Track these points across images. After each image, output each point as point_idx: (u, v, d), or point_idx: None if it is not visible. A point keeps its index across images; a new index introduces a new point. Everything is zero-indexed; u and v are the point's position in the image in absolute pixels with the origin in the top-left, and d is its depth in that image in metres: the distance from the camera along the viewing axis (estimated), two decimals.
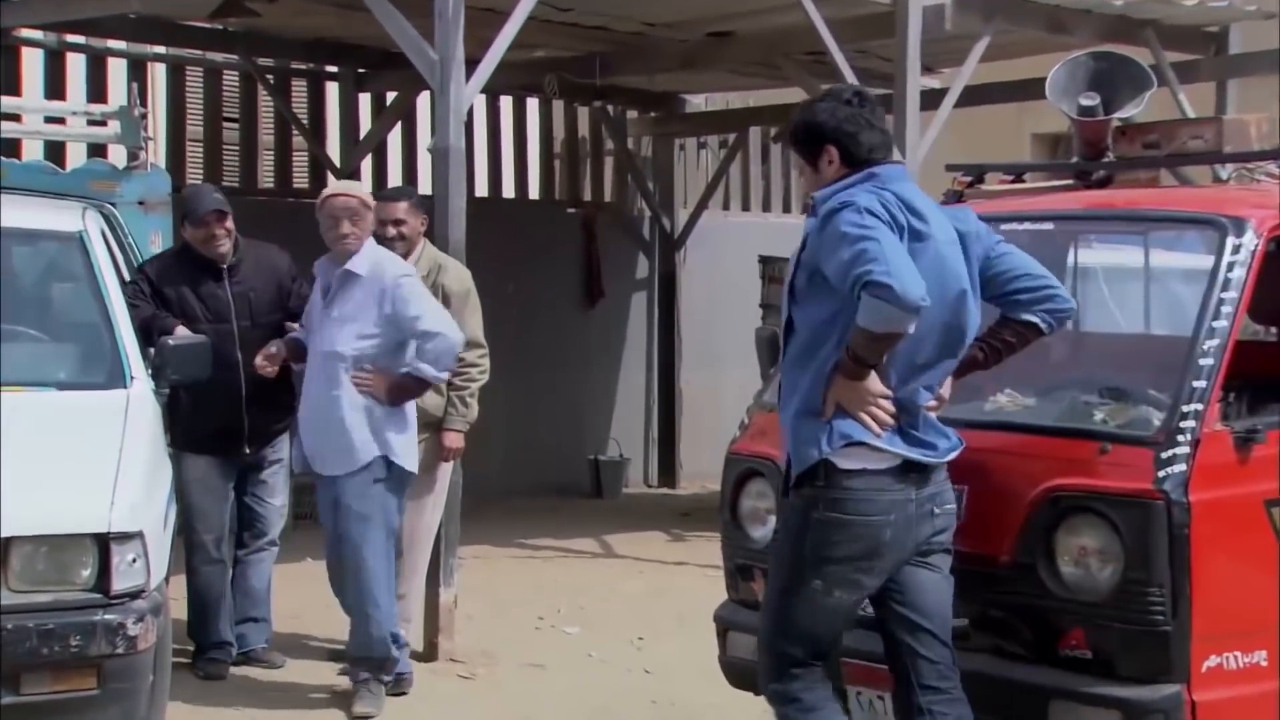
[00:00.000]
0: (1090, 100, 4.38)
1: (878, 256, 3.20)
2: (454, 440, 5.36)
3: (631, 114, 10.51)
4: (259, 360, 4.90)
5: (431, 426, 5.44)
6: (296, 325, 5.20)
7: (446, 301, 5.44)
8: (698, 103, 10.55)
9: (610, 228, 10.24)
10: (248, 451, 5.12)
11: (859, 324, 3.23)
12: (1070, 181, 4.42)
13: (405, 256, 5.46)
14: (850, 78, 7.22)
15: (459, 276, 5.52)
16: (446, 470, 5.54)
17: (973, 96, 8.04)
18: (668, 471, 10.28)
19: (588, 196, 10.52)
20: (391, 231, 5.42)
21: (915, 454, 3.34)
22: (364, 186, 5.25)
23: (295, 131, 9.17)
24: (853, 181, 3.37)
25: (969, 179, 4.60)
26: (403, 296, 4.70)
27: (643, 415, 10.42)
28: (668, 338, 10.26)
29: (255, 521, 5.26)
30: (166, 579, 4.02)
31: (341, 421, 4.65)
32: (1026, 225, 4.04)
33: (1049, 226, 4.08)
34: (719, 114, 10.59)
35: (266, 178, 9.33)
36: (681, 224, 10.42)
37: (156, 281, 5.02)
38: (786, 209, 11.23)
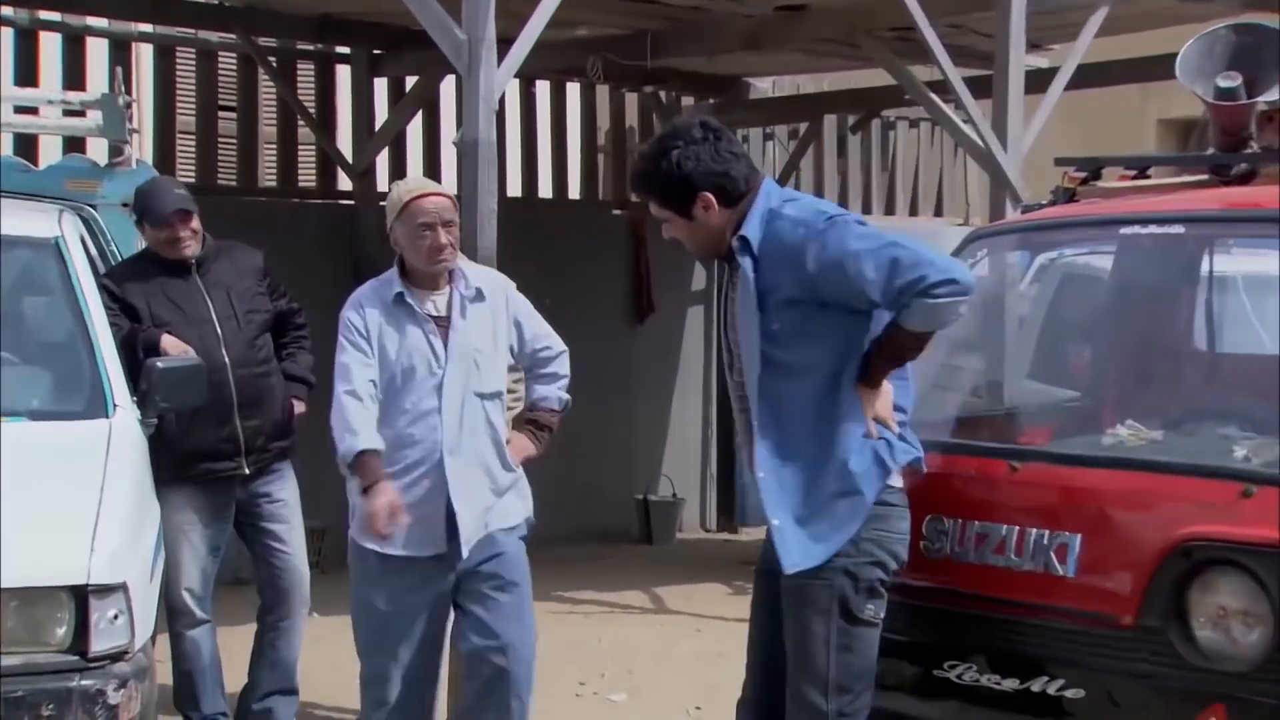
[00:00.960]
0: (1230, 81, 4.34)
1: (918, 258, 3.40)
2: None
3: (687, 101, 10.53)
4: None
5: None
6: (298, 332, 5.30)
7: None
8: (764, 88, 10.56)
9: (656, 229, 10.24)
10: (246, 472, 5.05)
11: (911, 328, 3.46)
12: (1205, 177, 4.40)
13: None
14: (942, 57, 7.21)
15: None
16: None
17: (1088, 77, 7.99)
18: (728, 514, 10.26)
19: (636, 197, 10.53)
20: None
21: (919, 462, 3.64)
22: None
23: (301, 122, 9.26)
24: (761, 204, 3.53)
25: (1083, 175, 4.58)
26: (527, 310, 4.49)
27: (699, 449, 10.40)
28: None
29: (277, 579, 5.18)
30: (153, 638, 4.03)
31: (503, 469, 4.36)
32: (1152, 229, 4.02)
33: (1179, 230, 4.07)
34: (788, 100, 10.60)
35: (268, 175, 9.42)
36: None
37: (121, 292, 4.95)
38: (866, 208, 11.22)
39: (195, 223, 5.06)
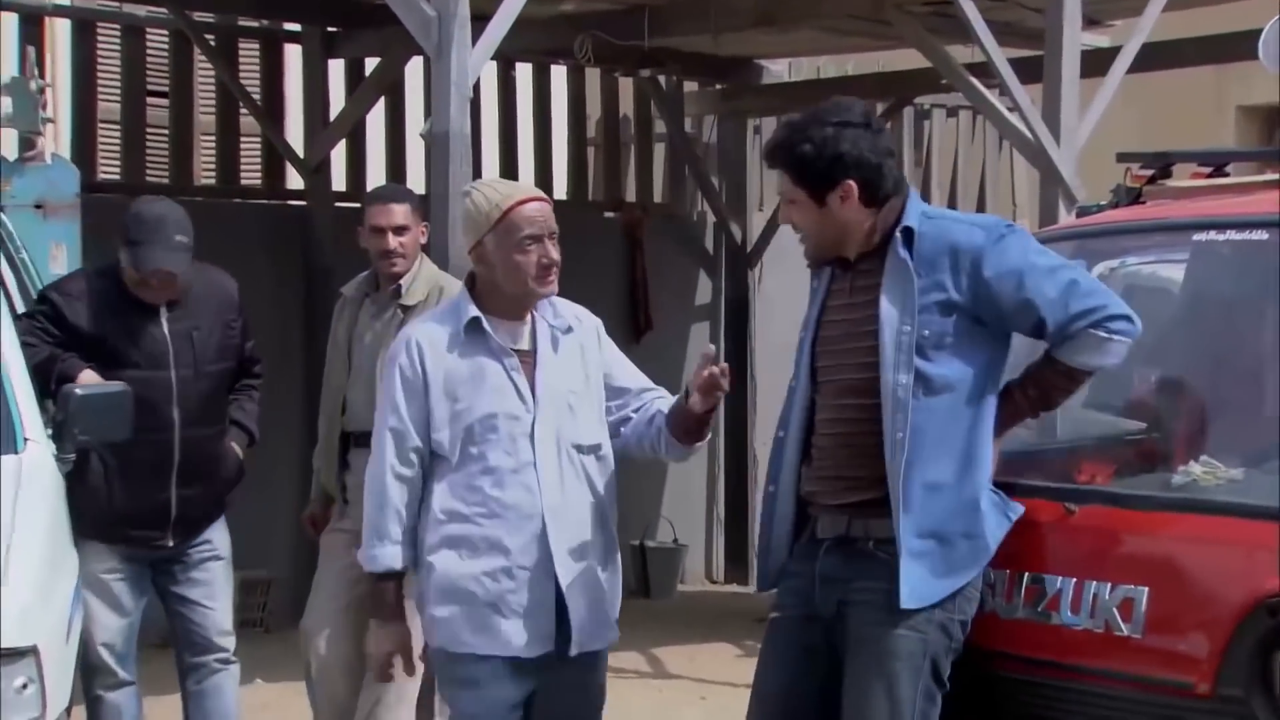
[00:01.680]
0: None
1: (1096, 285, 3.67)
2: None
3: (690, 86, 10.56)
4: None
5: None
6: (251, 380, 5.23)
7: None
8: (778, 71, 10.59)
9: (661, 237, 10.28)
10: (170, 544, 5.09)
11: (1072, 364, 3.65)
12: None
13: (400, 277, 5.55)
14: (984, 35, 7.22)
15: None
16: None
17: (1154, 58, 8.02)
18: (738, 562, 10.25)
19: (631, 196, 10.55)
20: (391, 243, 5.52)
21: None
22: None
23: (244, 110, 9.26)
24: (915, 208, 3.74)
25: (1149, 172, 4.58)
26: (611, 345, 4.24)
27: (704, 488, 10.40)
28: (738, 383, 10.26)
29: (194, 634, 5.20)
30: (69, 709, 4.01)
31: (612, 546, 4.10)
32: (1230, 235, 4.03)
33: (1262, 236, 4.06)
34: (806, 86, 10.61)
35: (206, 171, 9.42)
36: (756, 232, 10.44)
37: (68, 314, 4.94)
38: None
39: (183, 279, 5.01)
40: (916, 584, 3.59)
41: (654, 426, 4.11)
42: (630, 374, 4.20)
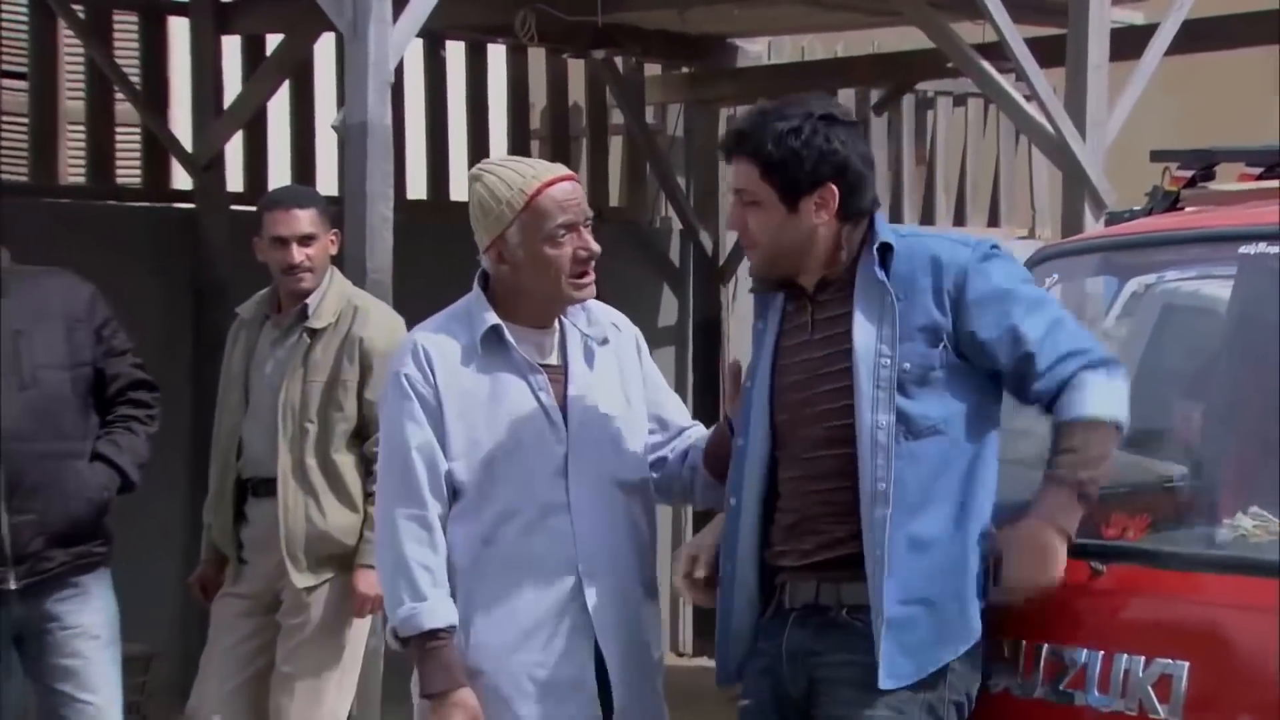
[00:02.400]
0: None
1: (1082, 328, 3.73)
2: (374, 584, 5.40)
3: (653, 69, 10.61)
4: None
5: (337, 563, 5.55)
6: (135, 409, 5.20)
7: (366, 366, 5.53)
8: (756, 52, 10.64)
9: (617, 247, 10.26)
10: (12, 587, 5.01)
11: (1108, 419, 3.66)
12: None
13: (306, 296, 5.56)
14: (997, 11, 7.28)
15: (387, 327, 5.63)
16: (361, 631, 5.63)
17: (1198, 37, 8.09)
18: (708, 632, 10.14)
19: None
20: (296, 255, 5.54)
21: None
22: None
23: (120, 96, 9.25)
24: (885, 226, 3.77)
25: (1189, 173, 4.62)
26: (651, 362, 4.15)
27: (668, 546, 10.41)
28: (708, 420, 10.27)
29: None
30: None
31: (657, 609, 4.02)
32: None
33: None
34: (789, 70, 10.68)
35: (74, 167, 9.40)
36: (730, 242, 10.48)
37: None
38: (895, 215, 11.28)
39: None
40: (897, 658, 3.59)
41: (688, 465, 4.04)
42: (674, 403, 4.14)
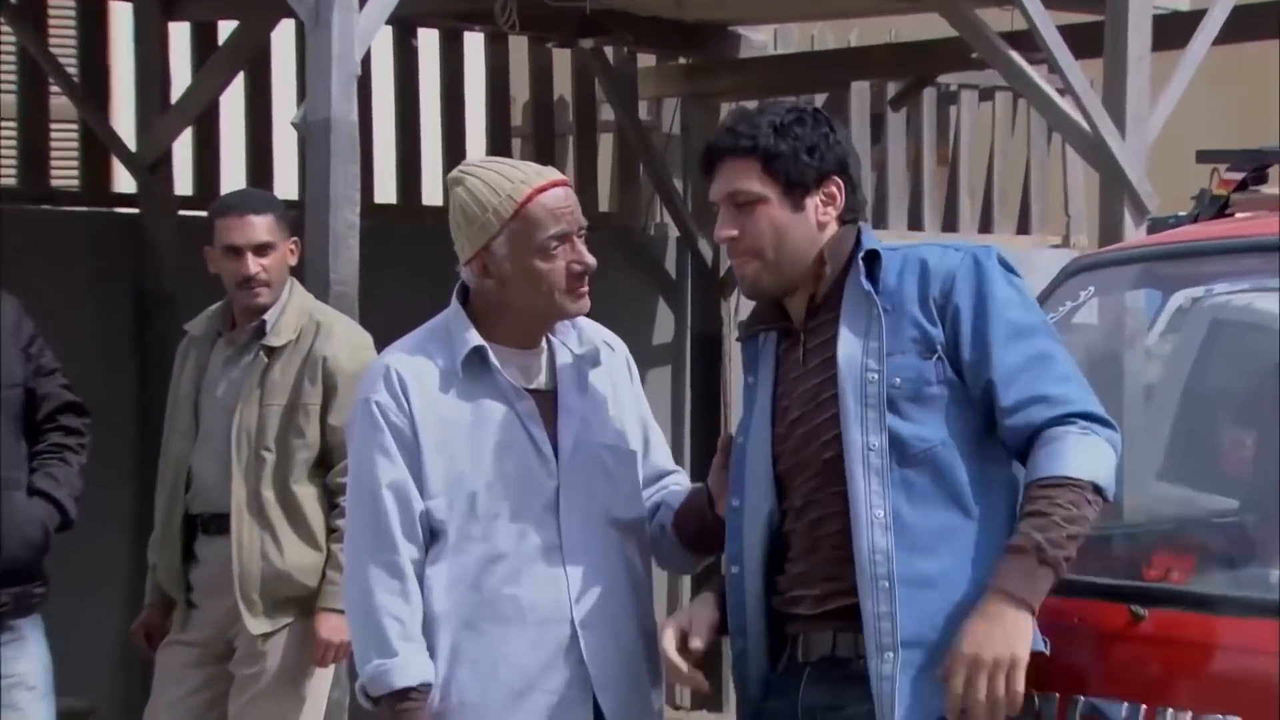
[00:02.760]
0: None
1: (1074, 374, 3.65)
2: (338, 629, 5.40)
3: (646, 60, 10.60)
4: None
5: (297, 607, 5.54)
6: (66, 437, 5.18)
7: (329, 388, 5.53)
8: (761, 42, 10.63)
9: (608, 256, 10.20)
10: None
11: (1085, 480, 3.55)
12: None
13: (263, 311, 5.55)
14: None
15: (352, 344, 5.63)
16: (324, 681, 5.63)
17: (1248, 25, 8.08)
18: (710, 681, 10.22)
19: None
20: (251, 267, 5.55)
21: None
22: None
23: (55, 88, 9.24)
24: (870, 236, 3.78)
25: (1240, 175, 4.62)
26: (639, 384, 4.14)
27: (664, 590, 10.39)
28: (706, 445, 10.26)
29: None
30: None
31: (657, 659, 3.97)
32: None
33: None
34: (797, 60, 10.68)
35: (4, 168, 9.38)
36: None
37: None
38: (915, 220, 11.29)
39: None
40: (913, 704, 3.59)
41: (656, 522, 4.03)
42: (657, 441, 4.10)
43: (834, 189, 3.75)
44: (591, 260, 3.95)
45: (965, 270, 3.69)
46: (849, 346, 3.68)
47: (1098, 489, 3.57)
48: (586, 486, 3.90)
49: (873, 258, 3.71)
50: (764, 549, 3.79)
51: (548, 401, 3.93)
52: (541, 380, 3.95)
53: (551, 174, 3.96)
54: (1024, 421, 3.62)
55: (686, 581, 10.40)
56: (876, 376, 3.65)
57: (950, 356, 3.67)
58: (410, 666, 3.79)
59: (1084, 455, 3.57)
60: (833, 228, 3.77)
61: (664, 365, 10.41)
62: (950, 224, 11.57)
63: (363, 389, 3.93)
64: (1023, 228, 11.88)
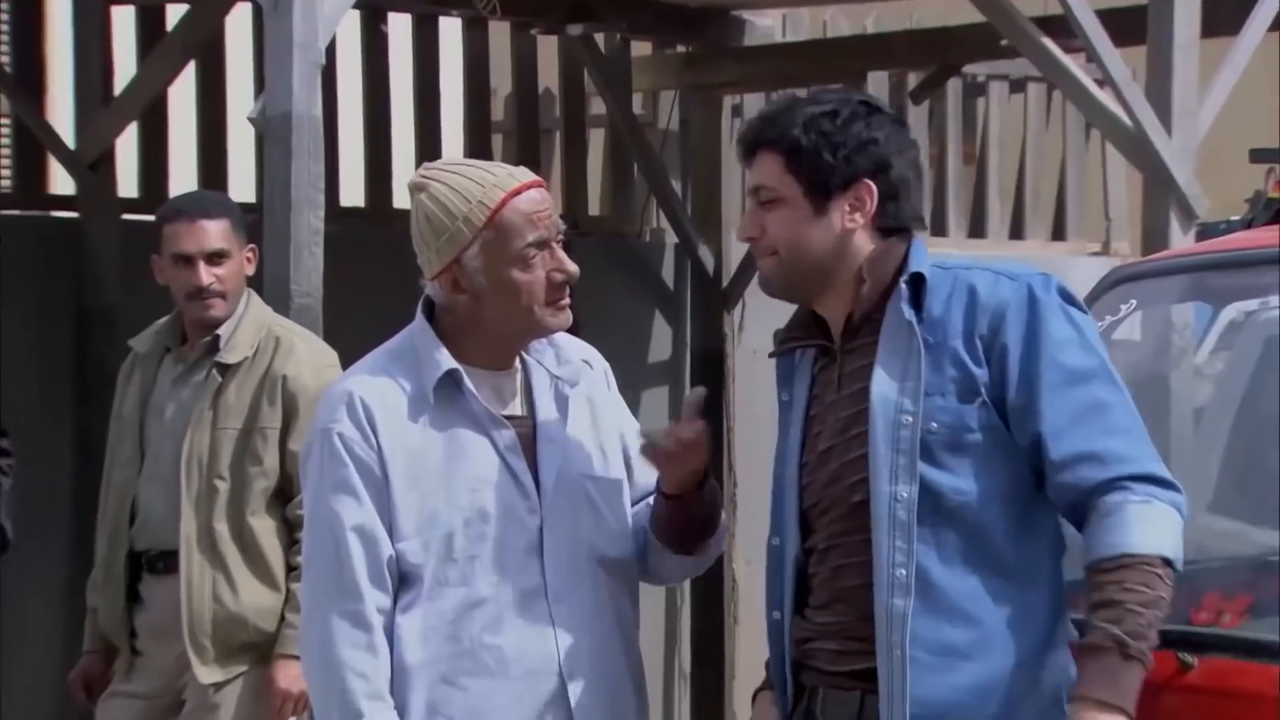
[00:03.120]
0: None
1: (1134, 425, 3.61)
2: (297, 679, 5.38)
3: (641, 49, 10.60)
4: None
5: (252, 654, 5.54)
6: None
7: (290, 410, 5.54)
8: (766, 28, 10.65)
9: (599, 265, 10.27)
10: None
11: (1152, 555, 3.52)
12: None
13: (217, 325, 5.54)
14: None
15: (316, 363, 5.64)
16: None
17: None
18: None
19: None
20: (204, 277, 5.55)
21: None
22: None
23: None
24: (921, 252, 3.74)
25: None
26: (619, 398, 4.15)
27: (661, 626, 10.39)
28: (714, 457, 10.26)
29: None
30: None
31: (637, 692, 4.03)
32: None
33: None
34: (807, 49, 10.68)
35: None
36: (737, 259, 10.48)
37: None
38: (938, 225, 11.28)
39: None
40: None
41: (640, 529, 4.03)
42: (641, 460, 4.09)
43: (864, 194, 3.71)
44: (573, 268, 3.94)
45: (1018, 304, 3.64)
46: (884, 383, 3.65)
47: (1168, 562, 3.54)
48: (571, 523, 3.90)
49: (918, 281, 3.68)
50: (794, 589, 3.79)
51: (525, 428, 3.93)
52: (517, 405, 3.95)
53: (524, 174, 3.96)
54: (1073, 481, 3.59)
55: (685, 622, 10.39)
56: (911, 419, 3.62)
57: (995, 400, 3.62)
58: None
59: (1149, 527, 3.54)
60: (865, 237, 3.73)
61: (660, 386, 10.41)
62: (977, 229, 11.58)
63: (321, 418, 3.90)
64: (1058, 233, 11.88)
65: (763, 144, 3.75)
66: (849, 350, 3.74)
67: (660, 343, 10.50)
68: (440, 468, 3.85)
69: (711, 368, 10.42)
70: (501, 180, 3.92)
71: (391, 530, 3.83)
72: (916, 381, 3.63)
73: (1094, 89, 7.61)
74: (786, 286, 3.79)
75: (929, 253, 3.75)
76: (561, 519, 3.89)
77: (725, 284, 10.45)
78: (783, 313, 3.89)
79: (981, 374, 3.63)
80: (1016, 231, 11.74)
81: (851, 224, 3.73)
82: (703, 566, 4.10)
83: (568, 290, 3.93)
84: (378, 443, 3.83)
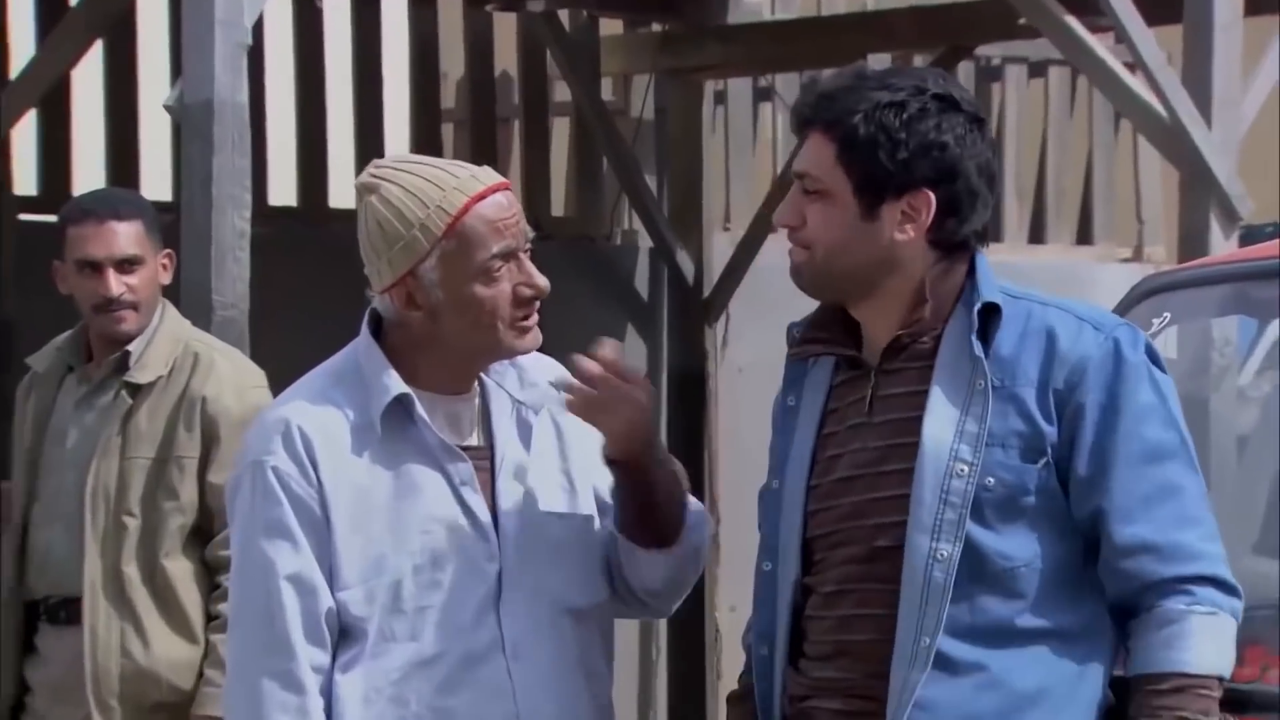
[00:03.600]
0: None
1: (1204, 518, 3.60)
2: None
3: (611, 27, 10.65)
4: None
5: (167, 713, 5.55)
6: None
7: (210, 437, 5.53)
8: (753, 5, 10.66)
9: (563, 271, 10.26)
10: None
11: (1208, 674, 3.53)
12: None
13: (128, 340, 5.54)
14: None
15: (239, 383, 5.64)
16: None
17: None
18: None
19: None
20: (113, 286, 5.54)
21: None
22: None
23: None
24: (987, 274, 3.73)
25: None
26: (579, 433, 4.07)
27: (635, 678, 10.38)
28: (693, 489, 10.22)
29: None
30: None
31: None
32: None
33: None
34: (798, 28, 10.71)
35: None
36: (721, 265, 10.49)
37: None
38: None
39: None
40: None
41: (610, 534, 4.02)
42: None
43: (920, 204, 3.66)
44: (543, 282, 3.91)
45: (1101, 360, 3.60)
46: (940, 423, 3.61)
47: (1221, 680, 3.56)
48: (535, 568, 3.87)
49: (990, 311, 3.64)
50: (789, 626, 3.76)
51: (483, 460, 3.90)
52: (475, 435, 3.93)
53: (489, 176, 3.91)
54: (1134, 572, 3.58)
55: (661, 678, 10.38)
56: (966, 470, 3.59)
57: (1059, 462, 3.61)
58: None
59: (1209, 645, 3.54)
60: (916, 250, 3.69)
61: None
62: (991, 232, 11.54)
63: (252, 449, 3.87)
64: (1083, 236, 11.91)
65: (817, 124, 3.71)
66: (888, 372, 3.71)
67: (633, 360, 10.49)
68: (388, 507, 3.83)
69: (691, 390, 10.43)
70: (464, 183, 3.87)
71: (332, 578, 3.80)
72: (979, 427, 3.59)
73: (1124, 74, 7.62)
74: (818, 286, 3.74)
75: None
76: (523, 564, 3.87)
77: (707, 294, 10.46)
78: (775, 328, 3.87)
79: (1050, 432, 3.60)
80: (1036, 235, 11.77)
81: (902, 235, 3.67)
82: (685, 570, 4.03)
83: (536, 307, 3.91)
84: (318, 478, 3.81)
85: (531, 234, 3.94)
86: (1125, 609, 3.60)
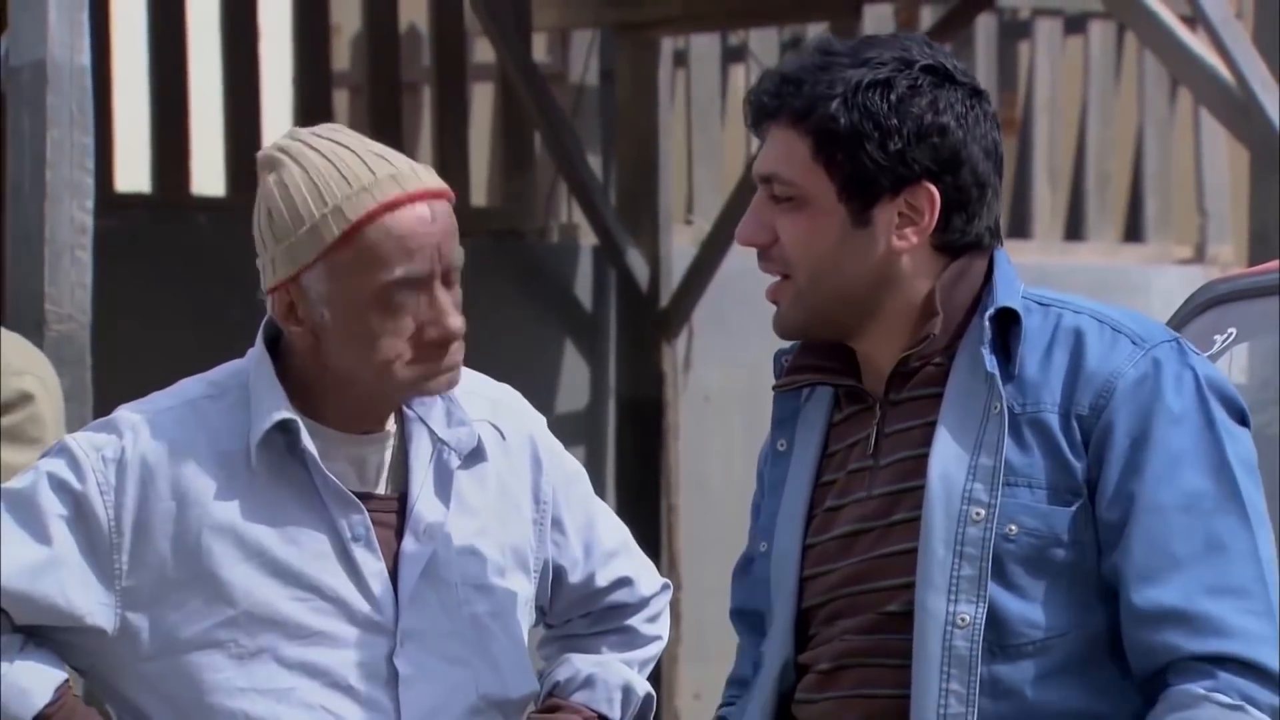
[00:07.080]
0: None
1: (1252, 583, 3.53)
2: None
3: None
4: None
5: None
6: None
7: None
8: None
9: (487, 274, 10.31)
10: None
11: None
12: None
13: None
14: None
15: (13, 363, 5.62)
16: None
17: None
18: None
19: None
20: None
21: None
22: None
23: None
24: (1006, 275, 3.66)
25: None
26: (579, 490, 4.20)
27: None
28: (647, 546, 10.29)
29: None
30: None
31: None
32: None
33: None
34: None
35: None
36: (681, 268, 10.53)
37: None
38: None
39: None
40: None
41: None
42: (587, 537, 4.16)
43: (921, 202, 3.64)
44: (456, 324, 3.82)
45: (1136, 381, 3.55)
46: (948, 456, 3.59)
47: None
48: (442, 651, 3.88)
49: (1008, 319, 3.62)
50: (776, 685, 3.75)
51: (389, 513, 3.89)
52: (383, 481, 3.91)
53: (421, 179, 3.84)
54: (1154, 643, 3.53)
55: None
56: (983, 514, 3.56)
57: (1091, 503, 3.58)
58: (54, 678, 3.76)
59: None
60: (919, 257, 3.67)
61: (576, 445, 10.44)
62: (1018, 227, 11.65)
63: (40, 462, 3.85)
64: (1132, 232, 11.98)
65: (782, 116, 3.70)
66: (896, 403, 3.70)
67: (573, 386, 10.55)
68: (251, 562, 3.82)
69: (645, 422, 10.47)
70: (379, 182, 3.82)
71: (135, 650, 3.81)
72: (995, 460, 3.58)
73: (1182, 32, 7.68)
74: (811, 326, 3.68)
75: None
76: (426, 644, 3.87)
77: (664, 303, 10.50)
78: (748, 346, 3.89)
79: (1080, 468, 3.57)
80: (1074, 229, 11.84)
81: (902, 242, 3.62)
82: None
83: (451, 349, 3.84)
84: (132, 515, 3.80)
85: (460, 260, 3.84)
86: (1143, 688, 3.59)
